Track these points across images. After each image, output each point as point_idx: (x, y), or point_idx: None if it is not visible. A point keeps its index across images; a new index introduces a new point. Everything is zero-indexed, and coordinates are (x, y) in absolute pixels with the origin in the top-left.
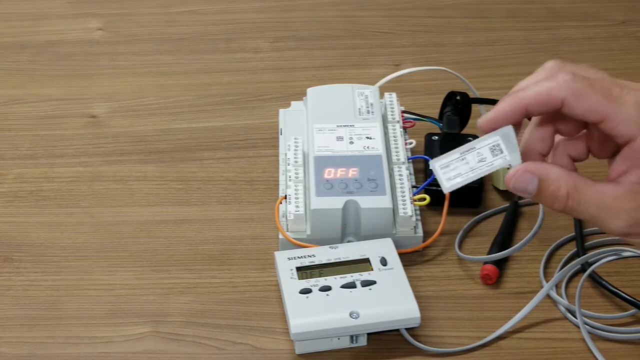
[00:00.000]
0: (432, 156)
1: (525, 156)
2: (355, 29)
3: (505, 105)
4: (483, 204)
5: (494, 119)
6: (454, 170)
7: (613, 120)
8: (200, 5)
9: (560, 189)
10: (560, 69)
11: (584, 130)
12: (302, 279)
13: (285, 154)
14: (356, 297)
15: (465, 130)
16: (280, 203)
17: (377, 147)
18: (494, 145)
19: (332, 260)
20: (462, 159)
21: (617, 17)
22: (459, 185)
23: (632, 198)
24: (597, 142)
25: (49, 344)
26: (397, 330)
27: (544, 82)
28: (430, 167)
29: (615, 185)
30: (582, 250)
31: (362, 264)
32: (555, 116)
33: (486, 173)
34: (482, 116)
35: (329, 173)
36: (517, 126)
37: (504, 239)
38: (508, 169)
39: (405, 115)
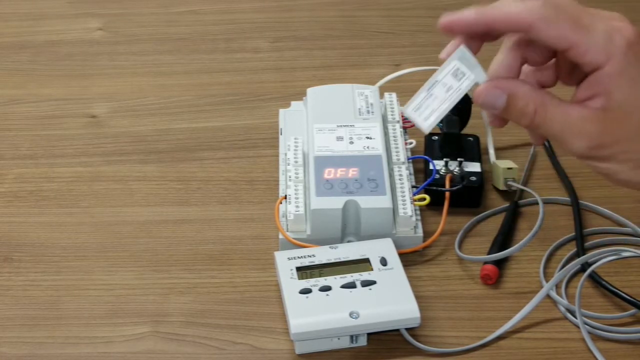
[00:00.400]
0: (432, 156)
1: (492, 77)
2: (355, 29)
3: (470, 13)
4: (483, 204)
5: (454, 21)
6: (426, 108)
7: (580, 48)
8: (200, 5)
9: (528, 105)
10: None
11: (552, 60)
12: (302, 279)
13: (285, 154)
14: (356, 297)
15: (466, 130)
16: (280, 203)
17: (377, 147)
18: (455, 70)
19: (332, 260)
20: (431, 95)
21: None
22: (437, 121)
23: (596, 121)
24: (566, 69)
25: (49, 344)
26: (397, 330)
27: (514, 4)
28: (405, 115)
29: (581, 107)
30: (582, 250)
31: (362, 264)
32: (523, 44)
33: (458, 99)
34: (444, 15)
35: (329, 173)
36: (475, 48)
37: (504, 239)
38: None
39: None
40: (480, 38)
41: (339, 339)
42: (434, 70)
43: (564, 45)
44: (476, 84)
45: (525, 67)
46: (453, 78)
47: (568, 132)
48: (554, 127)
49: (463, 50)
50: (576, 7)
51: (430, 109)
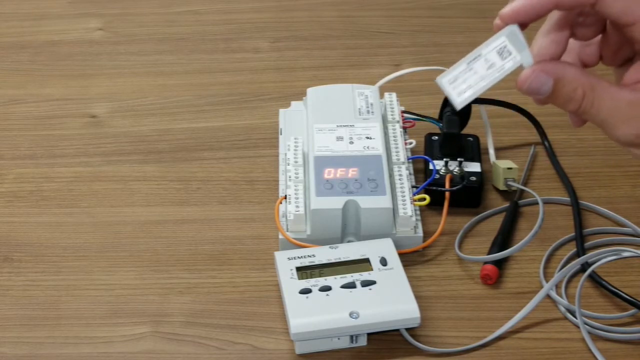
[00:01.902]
0: (432, 156)
1: (538, 59)
2: (355, 29)
3: None
4: (483, 204)
5: (519, 10)
6: (463, 82)
7: None
8: (200, 5)
9: (577, 89)
10: None
11: (600, 35)
12: (302, 279)
13: (285, 154)
14: (356, 297)
15: (465, 131)
16: (280, 203)
17: (377, 147)
18: (501, 48)
19: (332, 260)
20: (470, 69)
21: None
22: (472, 98)
23: None
24: (612, 48)
25: (49, 344)
26: (397, 330)
27: None
28: (438, 84)
29: (631, 92)
30: (582, 250)
31: (362, 264)
32: (573, 18)
33: (499, 79)
34: (507, 6)
35: (329, 173)
36: (523, 26)
37: (504, 239)
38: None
39: (405, 115)
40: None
41: (339, 339)
42: (434, 70)
43: (629, 20)
44: (521, 67)
45: (570, 42)
46: (498, 55)
47: (616, 118)
48: (601, 113)
49: (514, 28)
50: None
51: (467, 84)
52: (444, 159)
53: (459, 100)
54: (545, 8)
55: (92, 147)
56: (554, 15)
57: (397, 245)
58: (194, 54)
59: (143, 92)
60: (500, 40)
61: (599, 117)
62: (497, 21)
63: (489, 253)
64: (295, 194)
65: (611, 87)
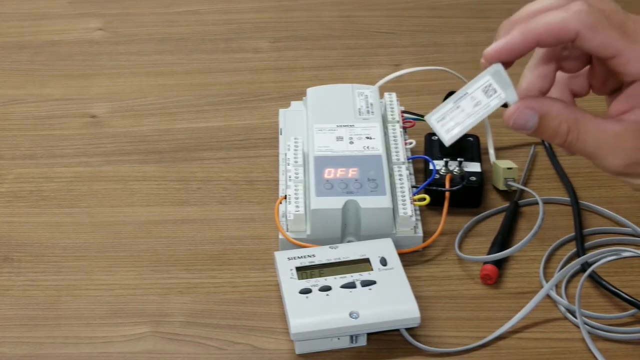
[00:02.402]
0: (432, 156)
1: (526, 94)
2: (355, 29)
3: (516, 35)
4: (483, 204)
5: (502, 49)
6: (451, 120)
7: (624, 57)
8: (200, 5)
9: (561, 124)
10: None
11: (587, 67)
12: (302, 279)
13: (285, 154)
14: (356, 297)
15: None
16: (280, 203)
17: (377, 147)
18: (486, 86)
19: (332, 260)
20: (457, 107)
21: None
22: (459, 135)
23: (632, 137)
24: (600, 79)
25: (49, 344)
26: (397, 330)
27: (556, 12)
28: (427, 122)
29: (616, 123)
30: (582, 250)
31: (362, 264)
32: (558, 52)
33: (484, 116)
34: (490, 47)
35: (329, 173)
36: (508, 64)
37: (504, 239)
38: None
39: (405, 115)
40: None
41: (338, 339)
42: (434, 70)
43: (609, 54)
44: (506, 104)
45: (558, 75)
46: (483, 94)
47: (603, 149)
48: (587, 145)
49: (498, 67)
50: (620, 13)
51: (454, 121)
52: (444, 159)
53: (447, 137)
54: (526, 47)
55: (92, 147)
56: (540, 51)
57: (397, 245)
58: (194, 54)
59: (143, 92)
60: (485, 79)
61: (586, 150)
62: (482, 60)
63: (489, 253)
64: (295, 194)
65: (596, 120)
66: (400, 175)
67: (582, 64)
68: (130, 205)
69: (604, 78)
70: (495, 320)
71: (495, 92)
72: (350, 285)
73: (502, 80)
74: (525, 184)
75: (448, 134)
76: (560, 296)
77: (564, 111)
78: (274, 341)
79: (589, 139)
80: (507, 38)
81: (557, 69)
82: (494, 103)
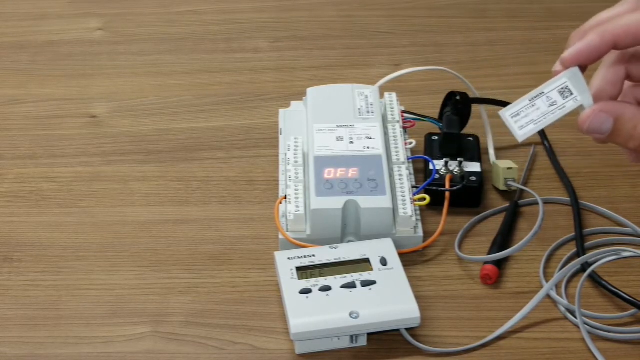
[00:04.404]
0: (432, 156)
1: (596, 100)
2: (355, 29)
3: (594, 38)
4: (483, 204)
5: (580, 53)
6: (525, 117)
7: None
8: (200, 5)
9: (637, 127)
10: None
11: None
12: (302, 279)
13: (285, 154)
14: (356, 297)
15: (466, 130)
16: (280, 203)
17: (377, 147)
18: (562, 88)
19: (332, 260)
20: (532, 105)
21: None
22: (533, 132)
23: None
24: None
25: (49, 344)
26: (397, 330)
27: (633, 15)
28: (501, 117)
29: None
30: (582, 250)
31: (362, 264)
32: (626, 58)
33: (560, 116)
34: (566, 51)
35: (329, 173)
36: (583, 68)
37: (504, 239)
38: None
39: (405, 115)
40: (586, 65)
41: (339, 339)
42: (434, 70)
43: None
44: (581, 107)
45: (625, 84)
46: (559, 94)
47: None
48: None
49: (576, 71)
50: None
51: (529, 119)
52: (444, 159)
53: (520, 134)
54: (604, 49)
55: (92, 147)
56: (609, 58)
57: (397, 245)
58: (194, 54)
59: (143, 92)
60: (562, 80)
61: None
62: (556, 67)
63: (489, 253)
64: (295, 194)
65: None
66: (401, 175)
67: None
68: (130, 205)
69: None
70: (495, 320)
71: (572, 94)
72: (351, 285)
73: (578, 83)
74: (525, 184)
75: (522, 130)
76: (560, 296)
77: (638, 114)
78: (274, 341)
79: None
80: (584, 41)
81: (625, 77)
82: (570, 105)
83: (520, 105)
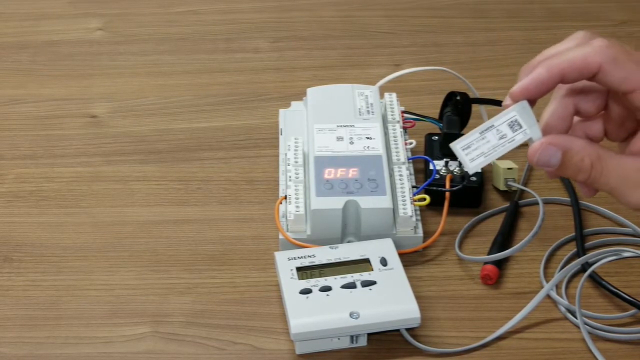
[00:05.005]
0: (432, 156)
1: (545, 133)
2: (355, 29)
3: (541, 72)
4: (483, 204)
5: (528, 87)
6: (476, 150)
7: None
8: (200, 5)
9: (584, 159)
10: (593, 37)
11: (602, 112)
12: (302, 279)
13: (285, 154)
14: (356, 297)
15: (465, 131)
16: (280, 203)
17: (377, 147)
18: (512, 121)
19: (332, 261)
20: (483, 138)
21: (617, 17)
22: (483, 165)
23: None
24: (616, 122)
25: (49, 344)
26: (397, 330)
27: (578, 49)
28: (452, 149)
29: (637, 159)
30: (582, 250)
31: (362, 264)
32: (575, 93)
33: (509, 149)
34: (516, 85)
35: (329, 173)
36: (532, 102)
37: (504, 239)
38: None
39: (405, 115)
40: (535, 99)
41: (339, 339)
42: (434, 70)
43: (630, 87)
44: (530, 140)
45: (574, 119)
46: (508, 128)
47: (625, 185)
48: (610, 180)
49: (524, 104)
50: (637, 50)
51: (479, 151)
52: (444, 159)
53: (471, 166)
54: (551, 83)
55: (92, 147)
56: (557, 93)
57: (397, 245)
58: (194, 54)
59: (143, 92)
60: (511, 114)
61: (609, 185)
62: (506, 101)
63: (489, 253)
64: (295, 194)
65: (617, 156)
66: (401, 175)
67: (599, 108)
68: (130, 205)
69: (620, 121)
70: (495, 320)
71: (521, 127)
72: (351, 286)
73: (527, 117)
74: (525, 184)
75: (472, 163)
76: (561, 296)
77: (586, 147)
78: (274, 341)
79: (612, 175)
80: (532, 75)
81: (574, 112)
82: (519, 138)
83: (471, 137)
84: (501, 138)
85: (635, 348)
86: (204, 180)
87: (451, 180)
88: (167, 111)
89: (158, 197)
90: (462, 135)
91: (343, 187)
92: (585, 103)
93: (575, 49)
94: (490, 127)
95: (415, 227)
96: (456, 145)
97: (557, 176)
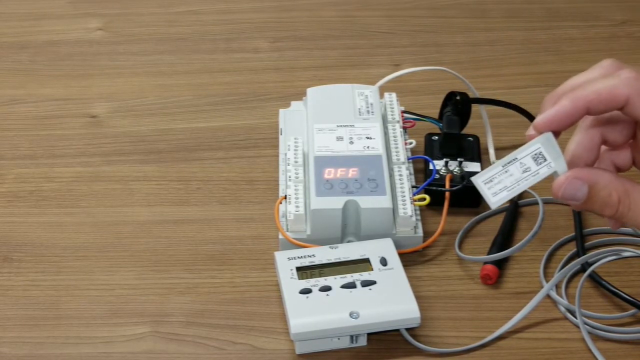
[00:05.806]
0: (432, 156)
1: (572, 166)
2: (355, 29)
3: (566, 104)
4: (483, 204)
5: (552, 119)
6: (498, 184)
7: None
8: (200, 5)
9: (611, 194)
10: (620, 67)
11: (630, 140)
12: (302, 279)
13: (285, 154)
14: (356, 297)
15: (465, 131)
16: (280, 203)
17: (377, 147)
18: (536, 154)
19: (332, 261)
20: (506, 172)
21: (617, 17)
22: (506, 199)
23: None
24: None
25: (49, 344)
26: (397, 330)
27: (605, 80)
28: (473, 183)
29: None
30: (582, 250)
31: (362, 264)
32: (602, 123)
33: (533, 183)
34: (539, 116)
35: (329, 173)
36: (556, 133)
37: (504, 239)
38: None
39: (405, 115)
40: (560, 131)
41: (339, 339)
42: (434, 70)
43: None
44: (555, 173)
45: (602, 149)
46: (533, 161)
47: None
48: (639, 216)
49: (549, 136)
50: None
51: (502, 185)
52: (444, 159)
53: (493, 201)
54: (576, 115)
55: (92, 147)
56: (584, 123)
57: (397, 245)
58: (194, 54)
59: (143, 92)
60: (535, 146)
61: (638, 221)
62: (530, 132)
63: (489, 253)
64: (295, 194)
65: None
66: (400, 175)
67: (627, 137)
68: (130, 205)
69: None
70: (495, 320)
71: (545, 160)
72: (351, 285)
73: (552, 149)
74: None
75: (494, 197)
76: (560, 296)
77: (613, 181)
78: (274, 341)
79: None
80: (556, 107)
81: (601, 142)
82: (544, 171)
83: (493, 171)
84: (525, 171)
85: (635, 348)
86: (204, 180)
87: (451, 180)
88: (166, 111)
89: (158, 197)
90: (461, 135)
91: (343, 187)
92: (613, 133)
93: (602, 80)
94: (514, 160)
95: (415, 227)
96: (478, 180)
97: (583, 210)
